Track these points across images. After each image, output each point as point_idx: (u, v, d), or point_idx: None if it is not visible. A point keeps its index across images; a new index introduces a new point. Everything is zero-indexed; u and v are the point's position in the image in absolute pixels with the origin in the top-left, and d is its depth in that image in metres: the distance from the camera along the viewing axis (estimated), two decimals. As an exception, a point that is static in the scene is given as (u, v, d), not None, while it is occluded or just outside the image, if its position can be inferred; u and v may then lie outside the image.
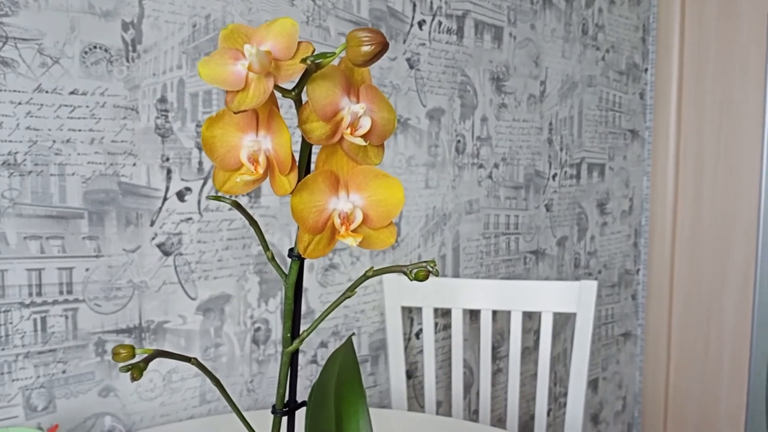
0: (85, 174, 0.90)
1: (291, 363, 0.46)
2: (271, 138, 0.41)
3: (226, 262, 1.05)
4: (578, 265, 1.74)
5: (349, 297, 0.44)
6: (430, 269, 0.41)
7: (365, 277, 0.43)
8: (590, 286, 1.19)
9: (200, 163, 1.01)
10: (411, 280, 0.41)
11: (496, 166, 1.46)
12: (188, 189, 1.00)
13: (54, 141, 0.87)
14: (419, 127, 1.29)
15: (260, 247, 1.08)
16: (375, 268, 0.43)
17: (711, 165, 1.83)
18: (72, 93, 0.88)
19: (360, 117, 0.40)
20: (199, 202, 1.01)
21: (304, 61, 0.37)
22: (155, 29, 0.95)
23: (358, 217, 0.42)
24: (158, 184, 0.97)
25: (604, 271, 1.83)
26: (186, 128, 0.99)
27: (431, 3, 1.30)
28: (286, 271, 0.45)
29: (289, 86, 0.40)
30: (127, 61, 0.92)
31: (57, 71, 0.87)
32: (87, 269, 0.91)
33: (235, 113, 0.38)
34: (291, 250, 0.44)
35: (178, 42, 0.97)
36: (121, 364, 0.38)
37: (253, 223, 0.44)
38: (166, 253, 0.98)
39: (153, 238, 0.97)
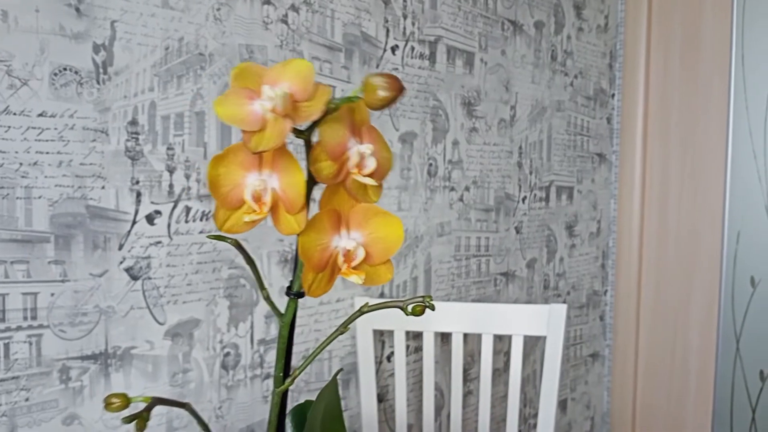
0: (52, 197, 0.88)
1: (281, 402, 0.45)
2: (278, 176, 0.41)
3: (195, 286, 1.03)
4: (547, 287, 1.75)
5: (342, 333, 0.44)
6: (427, 305, 0.41)
7: (360, 312, 0.43)
8: (560, 310, 1.20)
9: (170, 186, 1.00)
10: (407, 315, 0.42)
11: (467, 189, 1.47)
12: (158, 212, 0.99)
13: (21, 164, 0.85)
14: (392, 150, 1.30)
15: (231, 271, 1.07)
16: (370, 304, 0.43)
17: (676, 188, 1.87)
18: (40, 115, 0.87)
19: (366, 157, 0.41)
20: (168, 226, 1.00)
21: (329, 104, 0.38)
22: (127, 51, 0.94)
23: (360, 254, 0.42)
24: (127, 207, 0.95)
25: (573, 293, 1.85)
26: (157, 151, 0.98)
27: (404, 29, 1.31)
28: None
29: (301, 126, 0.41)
30: (98, 83, 0.91)
31: (25, 93, 0.85)
32: (52, 294, 0.89)
33: (254, 153, 0.38)
34: (288, 288, 0.44)
35: (150, 64, 0.96)
36: (123, 415, 0.38)
37: (251, 263, 0.43)
38: (134, 278, 0.97)
39: (121, 262, 0.95)
